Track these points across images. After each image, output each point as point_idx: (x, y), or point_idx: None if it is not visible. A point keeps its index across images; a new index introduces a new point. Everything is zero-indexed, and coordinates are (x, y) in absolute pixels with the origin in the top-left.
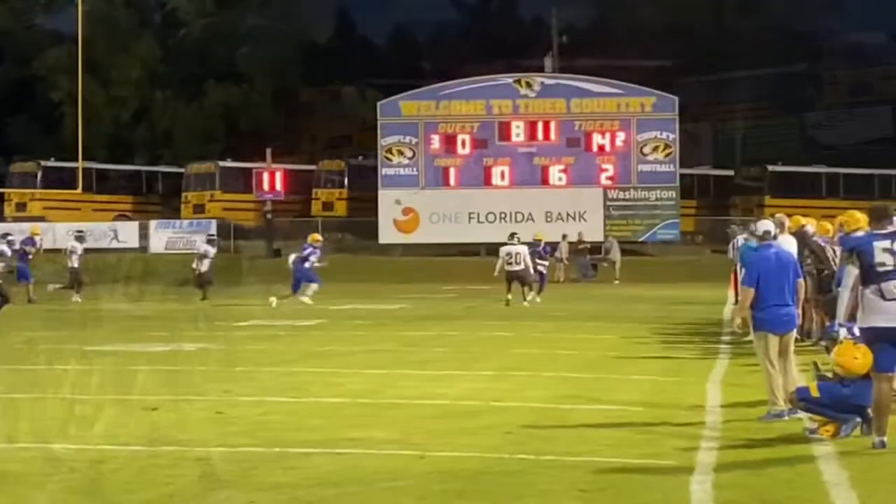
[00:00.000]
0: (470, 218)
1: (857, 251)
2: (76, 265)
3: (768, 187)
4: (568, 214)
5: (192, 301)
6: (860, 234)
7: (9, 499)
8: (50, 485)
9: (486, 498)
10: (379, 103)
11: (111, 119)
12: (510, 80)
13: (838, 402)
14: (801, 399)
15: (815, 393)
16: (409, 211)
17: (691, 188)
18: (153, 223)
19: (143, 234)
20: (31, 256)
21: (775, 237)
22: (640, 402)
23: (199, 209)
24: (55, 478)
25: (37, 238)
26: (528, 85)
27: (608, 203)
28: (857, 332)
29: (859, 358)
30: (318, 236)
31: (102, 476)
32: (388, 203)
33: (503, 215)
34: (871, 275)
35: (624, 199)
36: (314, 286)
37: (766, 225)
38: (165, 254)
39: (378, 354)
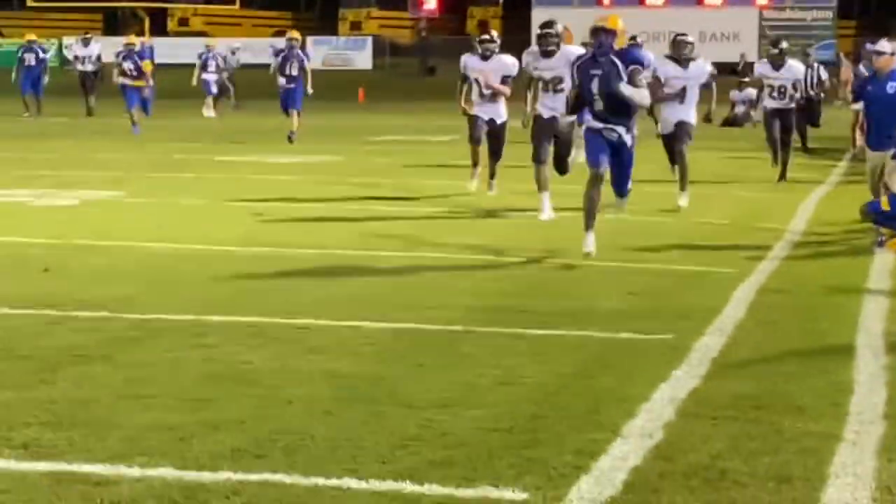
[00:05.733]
0: None
1: None
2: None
3: None
4: (722, 35)
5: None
6: None
7: None
8: None
9: None
10: None
11: None
12: None
13: None
14: (872, 212)
15: (885, 206)
16: None
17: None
18: (310, 39)
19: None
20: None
21: None
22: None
23: (355, 26)
24: None
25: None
26: None
27: (763, 23)
28: None
29: None
30: None
31: None
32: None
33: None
34: None
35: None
36: None
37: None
38: (323, 70)
39: None
